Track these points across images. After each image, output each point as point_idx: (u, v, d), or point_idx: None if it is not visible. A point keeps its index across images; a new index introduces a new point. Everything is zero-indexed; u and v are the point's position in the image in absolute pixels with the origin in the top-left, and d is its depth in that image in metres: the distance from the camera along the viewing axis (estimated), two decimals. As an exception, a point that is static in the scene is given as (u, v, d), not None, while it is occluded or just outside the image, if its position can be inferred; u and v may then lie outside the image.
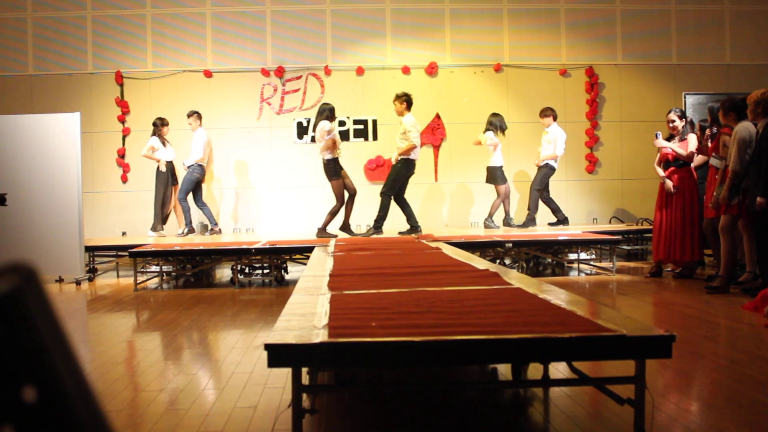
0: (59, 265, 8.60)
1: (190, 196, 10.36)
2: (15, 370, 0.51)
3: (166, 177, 10.40)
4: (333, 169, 9.21)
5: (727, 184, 6.86)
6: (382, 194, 9.45)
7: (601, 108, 11.74)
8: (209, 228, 10.56)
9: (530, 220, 10.33)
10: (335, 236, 9.14)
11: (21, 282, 0.52)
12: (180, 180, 10.47)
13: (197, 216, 10.85)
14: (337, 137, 9.23)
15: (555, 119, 10.45)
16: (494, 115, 10.49)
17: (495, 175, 10.36)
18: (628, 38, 11.74)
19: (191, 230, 10.44)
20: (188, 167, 10.28)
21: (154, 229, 10.45)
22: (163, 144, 10.41)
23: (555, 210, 10.42)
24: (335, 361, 2.78)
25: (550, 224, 10.55)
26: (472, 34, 11.64)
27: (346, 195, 9.34)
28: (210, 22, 11.48)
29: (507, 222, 10.48)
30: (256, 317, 6.22)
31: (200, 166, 10.34)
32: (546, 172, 10.36)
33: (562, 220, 10.35)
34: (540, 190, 10.32)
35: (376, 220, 9.46)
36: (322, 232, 9.30)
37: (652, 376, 3.11)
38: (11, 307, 0.51)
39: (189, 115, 10.40)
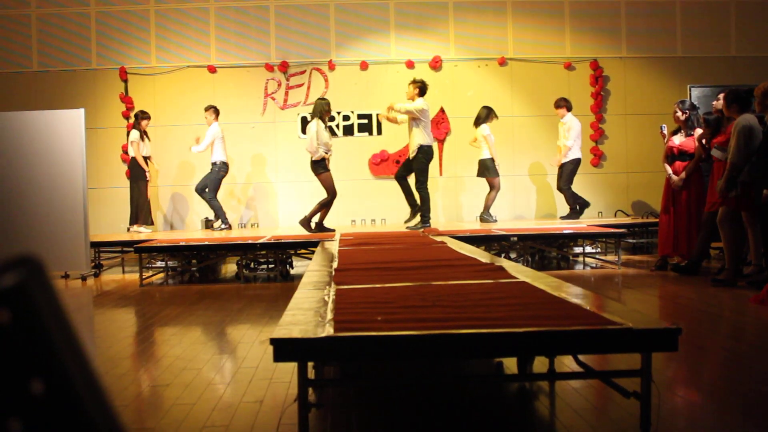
0: (65, 260, 8.62)
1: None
2: (22, 363, 0.51)
3: (143, 171, 10.43)
4: (321, 164, 9.18)
5: (725, 175, 6.83)
6: (417, 189, 9.35)
7: (606, 101, 11.71)
8: (217, 224, 10.59)
9: (574, 212, 10.39)
10: (333, 230, 9.13)
11: (28, 275, 0.52)
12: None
13: (204, 211, 10.89)
14: (326, 140, 9.17)
15: (569, 110, 10.47)
16: (485, 107, 10.50)
17: (488, 168, 10.37)
18: (632, 31, 11.70)
19: (229, 226, 10.55)
20: (213, 164, 10.39)
21: (144, 222, 10.45)
22: (142, 138, 10.43)
23: (574, 202, 10.54)
24: (340, 356, 2.79)
25: (562, 217, 10.58)
26: (476, 28, 11.61)
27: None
28: (214, 18, 11.47)
29: (484, 217, 10.49)
30: (261, 312, 6.23)
31: (225, 164, 10.42)
32: (572, 168, 10.42)
33: (575, 212, 10.44)
34: (569, 186, 10.44)
35: (422, 215, 9.35)
36: (320, 227, 9.29)
37: (658, 369, 3.11)
38: (18, 300, 0.51)
39: (206, 109, 10.47)
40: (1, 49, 11.41)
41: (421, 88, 9.30)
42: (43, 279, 0.54)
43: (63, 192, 8.56)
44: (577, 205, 10.50)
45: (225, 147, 10.46)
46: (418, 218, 9.41)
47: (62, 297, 0.54)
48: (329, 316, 2.85)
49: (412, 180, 9.41)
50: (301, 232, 9.32)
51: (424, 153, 9.24)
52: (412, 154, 9.32)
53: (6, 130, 8.58)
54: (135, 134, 10.39)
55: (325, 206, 9.35)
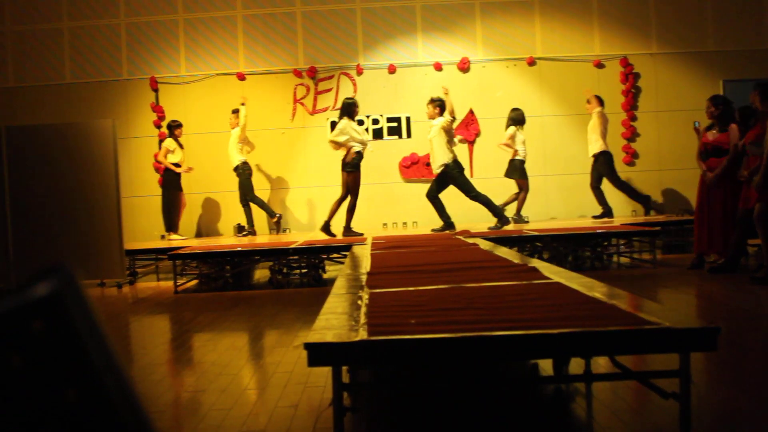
0: (101, 269, 8.74)
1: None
2: (55, 372, 0.51)
3: (176, 180, 10.59)
4: (353, 163, 9.14)
5: (762, 171, 6.72)
6: (472, 198, 9.33)
7: (637, 98, 11.58)
8: (246, 229, 10.69)
9: (606, 213, 10.35)
10: (362, 234, 9.10)
11: (61, 284, 0.52)
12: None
13: (237, 217, 11.00)
14: (358, 136, 9.18)
15: (600, 104, 10.41)
16: (514, 110, 10.47)
17: (517, 169, 10.33)
18: (662, 26, 11.55)
19: (254, 232, 10.76)
20: (235, 169, 10.52)
21: (176, 230, 10.66)
22: (179, 146, 10.62)
23: (633, 194, 10.63)
24: (375, 359, 2.78)
25: (595, 217, 10.49)
26: (504, 28, 11.56)
27: (341, 194, 9.26)
28: (241, 25, 11.56)
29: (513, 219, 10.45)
30: (295, 317, 6.25)
31: (245, 163, 10.53)
32: (603, 161, 10.34)
33: (607, 212, 10.36)
34: (613, 178, 10.41)
35: (496, 215, 9.32)
36: (348, 231, 9.27)
37: (696, 369, 3.06)
38: (51, 309, 0.51)
39: (233, 112, 10.57)
40: (35, 62, 11.61)
41: (441, 106, 9.32)
42: (76, 288, 0.54)
43: (98, 201, 8.68)
44: (642, 200, 10.61)
45: (247, 148, 10.65)
46: (498, 219, 9.40)
47: (95, 305, 0.54)
48: (363, 320, 2.85)
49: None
50: (329, 237, 9.33)
51: (455, 165, 9.26)
52: (438, 169, 9.29)
53: (41, 142, 8.73)
54: (167, 143, 10.56)
55: (352, 210, 9.29)
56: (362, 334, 2.58)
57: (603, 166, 10.37)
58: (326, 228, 9.28)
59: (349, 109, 9.18)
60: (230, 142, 10.53)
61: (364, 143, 9.17)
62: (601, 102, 10.51)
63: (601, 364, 3.76)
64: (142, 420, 0.53)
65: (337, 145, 9.11)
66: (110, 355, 0.53)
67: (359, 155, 9.10)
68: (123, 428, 0.52)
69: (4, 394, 0.50)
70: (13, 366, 0.50)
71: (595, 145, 10.37)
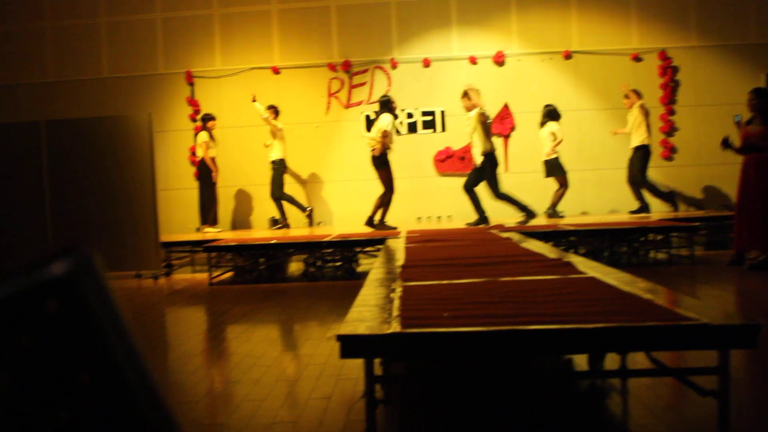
0: (137, 260, 8.87)
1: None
2: (68, 354, 0.50)
3: (211, 172, 10.69)
4: (383, 158, 9.23)
5: None
6: (497, 198, 9.32)
7: (675, 92, 11.38)
8: (280, 222, 10.75)
9: (643, 208, 10.23)
10: (395, 228, 9.12)
11: (77, 265, 0.51)
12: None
13: (271, 210, 11.05)
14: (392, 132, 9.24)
15: (639, 98, 10.29)
16: (548, 106, 10.37)
17: (555, 167, 10.25)
18: (703, 18, 11.33)
19: (287, 225, 10.83)
20: (272, 163, 10.58)
21: (212, 223, 10.73)
22: (212, 139, 10.70)
23: (657, 193, 10.44)
24: (407, 352, 2.77)
25: (632, 212, 10.35)
26: (540, 21, 11.44)
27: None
28: (276, 20, 11.60)
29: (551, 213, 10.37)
30: (328, 310, 6.27)
31: (282, 160, 10.58)
32: (639, 155, 10.21)
33: (644, 208, 10.23)
34: (642, 175, 10.28)
35: (522, 211, 9.31)
36: (382, 225, 9.31)
37: (735, 367, 2.99)
38: (66, 289, 0.50)
39: (267, 108, 10.62)
40: (74, 57, 11.78)
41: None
42: (92, 268, 0.53)
43: (134, 194, 8.80)
44: (667, 197, 10.49)
45: (284, 146, 10.64)
46: (523, 215, 9.44)
47: (112, 288, 0.53)
48: (395, 312, 2.84)
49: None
50: (367, 229, 9.35)
51: (489, 160, 9.21)
52: (480, 158, 9.28)
53: (79, 135, 8.86)
54: (203, 136, 10.63)
55: (384, 203, 9.36)
56: (395, 327, 2.57)
57: (638, 160, 10.24)
58: (370, 222, 9.35)
59: (389, 106, 9.29)
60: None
61: (389, 144, 9.31)
62: (639, 95, 10.38)
63: (638, 360, 3.70)
64: (159, 405, 0.52)
65: (374, 139, 9.17)
66: (127, 339, 0.52)
67: (386, 151, 9.20)
68: (139, 412, 0.51)
69: (15, 375, 0.49)
70: (25, 347, 0.49)
71: (637, 138, 10.24)
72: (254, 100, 10.55)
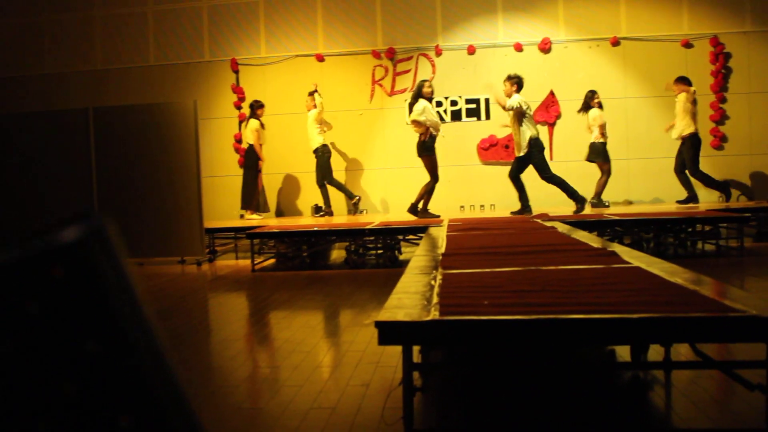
0: (182, 247, 8.98)
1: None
2: (76, 322, 0.49)
3: (257, 159, 10.76)
4: (427, 145, 9.13)
5: None
6: (545, 179, 9.17)
7: (727, 80, 11.10)
8: (323, 210, 10.79)
9: (691, 198, 10.06)
10: (438, 216, 9.08)
11: (87, 231, 0.50)
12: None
13: (314, 197, 11.09)
14: (435, 119, 9.16)
15: (687, 85, 10.04)
16: (591, 92, 10.17)
17: (599, 152, 10.07)
18: (758, 2, 11.00)
19: (331, 213, 10.88)
20: (315, 151, 10.61)
21: (257, 209, 10.80)
22: (261, 126, 10.80)
23: (711, 182, 10.27)
24: (446, 340, 2.75)
25: (679, 202, 10.15)
26: (587, 7, 11.24)
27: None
28: (321, 7, 11.61)
29: (595, 202, 10.17)
30: (369, 297, 6.27)
31: (325, 145, 10.61)
32: (690, 145, 10.00)
33: (692, 198, 10.03)
34: (694, 165, 10.05)
35: (574, 199, 9.17)
36: (424, 213, 9.26)
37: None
38: (75, 256, 0.49)
39: (310, 94, 10.66)
40: (121, 46, 11.97)
41: (518, 84, 9.14)
42: (105, 238, 0.52)
43: (179, 180, 8.90)
44: (721, 187, 10.30)
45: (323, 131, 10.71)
46: (579, 203, 9.26)
47: (125, 255, 0.52)
48: (435, 299, 2.82)
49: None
50: (409, 217, 9.33)
51: (535, 145, 9.07)
52: (523, 151, 9.12)
53: (125, 122, 8.99)
54: (255, 123, 10.71)
55: (428, 191, 9.31)
56: (434, 314, 2.55)
57: (688, 150, 10.02)
58: (413, 209, 9.31)
59: (420, 91, 9.20)
60: (308, 124, 10.62)
61: (438, 127, 9.18)
62: (687, 83, 10.13)
63: (682, 352, 3.63)
64: (169, 376, 0.51)
65: (419, 125, 9.10)
66: (138, 309, 0.51)
67: (432, 138, 9.10)
68: (148, 382, 0.50)
69: (20, 342, 0.48)
70: (31, 313, 0.48)
71: (685, 127, 10.00)
72: (316, 90, 10.60)
